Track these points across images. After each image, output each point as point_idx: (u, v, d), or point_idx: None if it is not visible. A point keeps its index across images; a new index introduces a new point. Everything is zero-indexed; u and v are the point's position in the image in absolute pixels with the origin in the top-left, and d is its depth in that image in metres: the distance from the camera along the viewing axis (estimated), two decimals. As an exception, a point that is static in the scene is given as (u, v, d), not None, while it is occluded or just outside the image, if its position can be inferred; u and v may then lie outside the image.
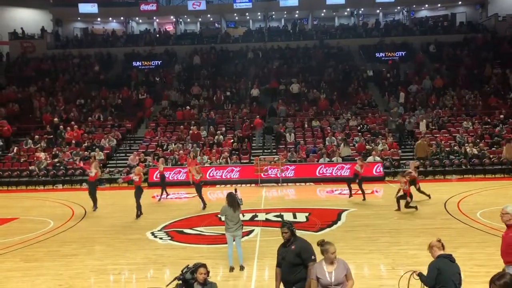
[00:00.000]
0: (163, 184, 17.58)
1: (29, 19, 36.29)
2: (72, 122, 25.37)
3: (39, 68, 32.69)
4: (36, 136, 24.63)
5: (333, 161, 21.14)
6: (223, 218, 8.92)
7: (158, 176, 18.72)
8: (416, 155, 21.45)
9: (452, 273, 5.06)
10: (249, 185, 20.29)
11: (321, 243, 5.24)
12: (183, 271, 5.09)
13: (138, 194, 14.15)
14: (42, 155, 22.84)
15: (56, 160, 22.64)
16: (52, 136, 24.62)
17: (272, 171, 20.36)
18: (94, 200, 15.43)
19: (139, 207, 14.10)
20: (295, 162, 21.28)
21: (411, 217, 12.96)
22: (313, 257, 5.48)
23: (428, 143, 21.81)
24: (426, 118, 24.35)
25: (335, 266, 5.14)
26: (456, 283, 5.03)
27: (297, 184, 20.06)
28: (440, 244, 5.31)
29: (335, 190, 17.77)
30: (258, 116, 25.42)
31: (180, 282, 5.02)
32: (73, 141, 24.07)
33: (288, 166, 20.59)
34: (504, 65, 29.05)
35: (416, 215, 13.09)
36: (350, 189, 15.99)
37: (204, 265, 5.10)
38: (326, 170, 20.40)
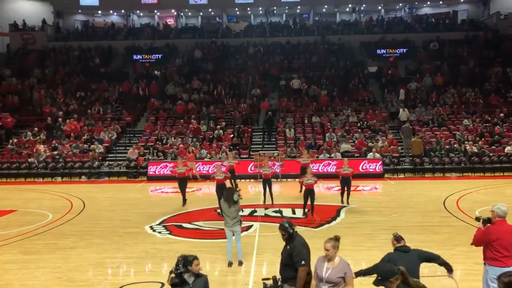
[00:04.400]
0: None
1: (30, 11, 36.08)
2: (61, 113, 25.30)
3: (39, 60, 32.58)
4: (36, 128, 24.59)
5: (332, 157, 21.13)
6: (223, 212, 8.92)
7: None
8: (412, 152, 21.47)
9: (405, 263, 5.07)
10: (249, 180, 20.30)
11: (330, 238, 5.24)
12: (178, 265, 5.12)
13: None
14: (41, 147, 22.82)
15: (55, 152, 22.62)
16: (54, 129, 24.56)
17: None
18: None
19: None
20: (295, 157, 21.23)
21: (411, 214, 12.97)
22: (303, 262, 5.35)
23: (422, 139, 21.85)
24: (407, 110, 24.79)
25: (334, 265, 5.08)
26: (413, 271, 5.13)
27: (296, 179, 19.98)
28: (394, 238, 5.53)
29: (335, 187, 17.75)
30: (266, 99, 26.58)
31: (174, 275, 5.07)
32: (72, 134, 24.03)
33: (275, 162, 20.50)
34: (505, 63, 28.97)
35: (415, 213, 13.10)
36: None
37: (197, 257, 5.16)
38: (313, 166, 19.68)
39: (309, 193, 12.61)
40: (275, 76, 29.88)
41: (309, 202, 12.76)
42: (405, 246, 5.47)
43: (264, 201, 14.85)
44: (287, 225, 5.63)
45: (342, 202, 14.36)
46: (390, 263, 5.21)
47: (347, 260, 5.29)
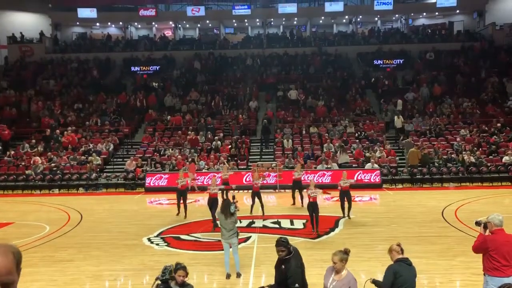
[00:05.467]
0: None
1: (28, 23, 36.24)
2: (69, 128, 25.29)
3: (37, 72, 32.66)
4: (33, 140, 24.54)
5: (329, 167, 21.13)
6: (219, 224, 8.90)
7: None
8: (409, 162, 21.51)
9: (409, 276, 5.24)
10: (247, 191, 20.23)
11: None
12: (164, 271, 5.15)
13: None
14: (38, 159, 22.75)
15: (53, 164, 22.56)
16: (52, 140, 24.51)
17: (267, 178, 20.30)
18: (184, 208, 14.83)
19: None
20: (293, 168, 21.21)
21: (409, 224, 12.94)
22: (297, 285, 5.29)
23: (421, 150, 21.80)
24: (398, 110, 25.62)
25: (341, 277, 5.05)
26: (413, 286, 5.24)
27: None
28: (399, 248, 5.42)
29: (333, 197, 17.71)
30: (268, 109, 27.14)
31: (159, 282, 5.10)
32: (70, 146, 24.00)
33: (270, 173, 20.46)
34: (501, 73, 29.17)
35: (413, 223, 13.07)
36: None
37: (183, 268, 5.18)
38: (307, 177, 19.14)
39: (311, 205, 12.33)
40: (272, 86, 30.08)
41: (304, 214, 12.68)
42: (407, 259, 5.40)
43: (251, 212, 14.84)
44: (286, 241, 5.49)
45: (344, 216, 13.91)
46: (396, 275, 5.18)
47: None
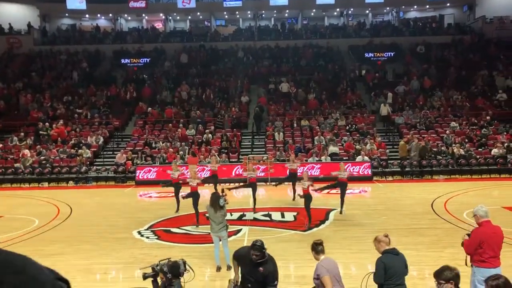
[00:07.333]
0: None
1: (16, 14, 35.69)
2: (58, 121, 25.05)
3: (26, 64, 32.26)
4: (22, 133, 24.28)
5: (321, 160, 21.20)
6: (209, 218, 8.88)
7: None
8: (399, 154, 21.67)
9: (398, 267, 5.27)
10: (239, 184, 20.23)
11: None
12: (158, 265, 5.19)
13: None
14: (27, 152, 22.53)
15: (42, 157, 22.35)
16: (41, 133, 24.26)
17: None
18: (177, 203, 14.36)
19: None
20: (284, 161, 21.26)
21: (399, 217, 13.03)
22: (276, 282, 5.41)
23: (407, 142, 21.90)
24: (388, 103, 26.01)
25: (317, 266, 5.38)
26: (402, 275, 5.30)
27: (285, 183, 19.99)
28: (388, 240, 5.44)
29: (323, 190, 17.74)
30: (262, 95, 27.55)
31: (151, 271, 5.18)
32: (59, 139, 23.78)
33: (260, 166, 20.41)
34: (491, 66, 29.34)
35: (403, 215, 13.17)
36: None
37: (164, 272, 5.17)
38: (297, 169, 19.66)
39: (304, 197, 11.97)
40: (264, 77, 30.04)
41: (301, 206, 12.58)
42: (395, 249, 5.43)
43: (254, 206, 14.38)
44: (261, 246, 5.47)
45: (341, 212, 13.46)
46: (386, 267, 5.20)
47: (338, 263, 5.37)
